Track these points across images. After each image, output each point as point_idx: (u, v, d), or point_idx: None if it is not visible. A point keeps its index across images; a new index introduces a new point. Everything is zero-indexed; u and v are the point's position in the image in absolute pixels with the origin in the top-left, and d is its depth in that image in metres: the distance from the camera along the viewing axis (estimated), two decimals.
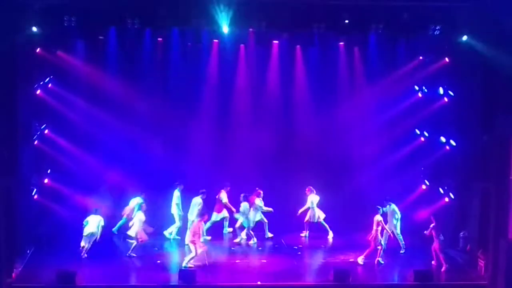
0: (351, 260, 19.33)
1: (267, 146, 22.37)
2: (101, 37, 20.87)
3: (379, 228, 18.77)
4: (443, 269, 18.55)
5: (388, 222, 19.70)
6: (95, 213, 19.49)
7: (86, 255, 19.20)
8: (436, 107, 21.98)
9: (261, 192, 20.95)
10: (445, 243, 20.70)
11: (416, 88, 22.82)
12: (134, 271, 18.60)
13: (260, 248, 20.48)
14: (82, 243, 19.17)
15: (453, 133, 21.15)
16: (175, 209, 21.05)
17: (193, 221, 19.63)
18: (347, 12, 19.59)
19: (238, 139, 22.50)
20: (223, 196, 21.15)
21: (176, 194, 21.10)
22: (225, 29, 20.06)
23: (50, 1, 18.95)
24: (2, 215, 17.15)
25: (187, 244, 19.44)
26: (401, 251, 19.95)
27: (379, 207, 19.13)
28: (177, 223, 21.10)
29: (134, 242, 19.40)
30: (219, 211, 21.24)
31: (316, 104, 22.64)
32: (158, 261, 19.19)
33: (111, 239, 20.84)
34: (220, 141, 22.48)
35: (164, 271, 18.34)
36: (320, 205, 21.44)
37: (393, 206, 19.92)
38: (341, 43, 21.86)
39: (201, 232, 18.75)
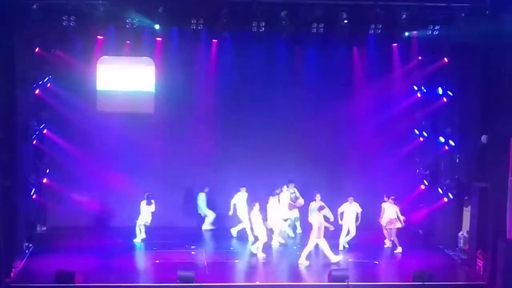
0: (349, 260, 19.34)
1: (266, 145, 22.35)
2: (100, 37, 20.80)
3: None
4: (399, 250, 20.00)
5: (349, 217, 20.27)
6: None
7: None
8: (435, 107, 22.00)
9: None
10: (444, 243, 20.88)
11: (415, 88, 22.82)
12: (133, 271, 18.58)
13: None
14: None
15: (452, 133, 21.16)
16: (242, 211, 21.04)
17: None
18: (346, 12, 19.57)
19: (237, 139, 22.47)
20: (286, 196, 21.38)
21: (244, 196, 21.20)
22: (224, 29, 20.02)
23: (49, 0, 18.90)
24: (1, 214, 17.13)
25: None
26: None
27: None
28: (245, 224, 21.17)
29: (259, 242, 19.57)
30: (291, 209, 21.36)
31: (315, 104, 22.62)
32: (157, 261, 19.19)
33: (111, 238, 20.84)
34: (219, 140, 22.43)
35: (163, 271, 18.33)
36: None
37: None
38: (340, 43, 21.83)
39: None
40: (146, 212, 20.73)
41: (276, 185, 21.30)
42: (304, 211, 21.11)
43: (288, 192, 21.18)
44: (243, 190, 21.27)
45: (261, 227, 19.69)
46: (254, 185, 21.56)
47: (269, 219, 20.32)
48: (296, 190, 21.35)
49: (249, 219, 20.31)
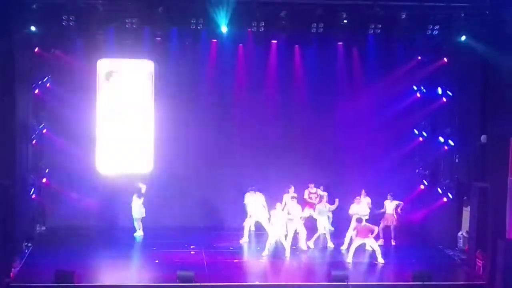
0: (348, 261, 19.31)
1: (265, 145, 22.36)
2: (99, 37, 20.77)
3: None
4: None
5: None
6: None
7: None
8: (434, 107, 22.01)
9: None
10: (443, 243, 20.91)
11: (415, 88, 22.82)
12: (132, 271, 18.56)
13: (258, 248, 20.47)
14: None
15: (452, 133, 21.17)
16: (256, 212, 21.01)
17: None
18: (346, 12, 19.58)
19: (235, 139, 22.47)
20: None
21: (257, 197, 21.08)
22: (224, 29, 20.02)
23: (49, 0, 18.90)
24: (0, 214, 17.14)
25: None
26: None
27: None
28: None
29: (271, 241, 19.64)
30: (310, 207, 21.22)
31: (314, 104, 22.64)
32: (156, 261, 19.18)
33: (110, 238, 20.83)
34: (218, 140, 22.43)
35: (162, 271, 18.32)
36: None
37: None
38: (340, 43, 21.83)
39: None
40: (139, 205, 20.87)
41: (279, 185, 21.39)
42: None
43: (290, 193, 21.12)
44: (257, 193, 21.12)
45: (279, 226, 19.64)
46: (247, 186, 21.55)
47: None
48: (318, 190, 21.34)
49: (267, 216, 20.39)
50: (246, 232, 21.05)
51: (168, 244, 20.60)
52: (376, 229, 19.40)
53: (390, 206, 20.74)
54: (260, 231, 20.85)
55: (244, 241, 20.97)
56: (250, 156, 22.25)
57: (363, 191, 21.11)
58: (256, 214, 20.81)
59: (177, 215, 22.36)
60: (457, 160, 21.11)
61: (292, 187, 21.12)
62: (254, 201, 20.97)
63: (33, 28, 19.27)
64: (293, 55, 22.20)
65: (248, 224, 21.07)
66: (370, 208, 20.76)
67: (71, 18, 19.07)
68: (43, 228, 21.79)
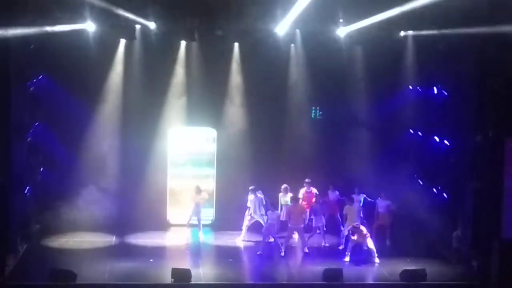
0: (346, 260, 19.32)
1: (260, 144, 22.35)
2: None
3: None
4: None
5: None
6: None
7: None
8: (430, 107, 22.02)
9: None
10: (438, 243, 20.93)
11: (410, 87, 22.82)
12: (126, 270, 18.51)
13: (254, 247, 20.44)
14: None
15: (447, 133, 21.19)
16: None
17: None
18: (342, 11, 19.61)
19: (232, 136, 22.47)
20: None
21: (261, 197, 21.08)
22: (220, 27, 20.03)
23: None
24: None
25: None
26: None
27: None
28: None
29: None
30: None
31: (311, 103, 22.65)
32: (151, 260, 19.16)
33: (105, 237, 20.79)
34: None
35: (158, 270, 18.30)
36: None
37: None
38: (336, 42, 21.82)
39: None
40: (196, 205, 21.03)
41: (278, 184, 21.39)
42: None
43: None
44: (258, 193, 21.10)
45: (273, 226, 19.78)
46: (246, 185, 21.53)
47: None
48: (313, 189, 21.38)
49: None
50: (244, 231, 21.03)
51: (164, 243, 20.56)
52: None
53: (382, 205, 20.77)
54: (258, 231, 20.82)
55: (241, 240, 20.96)
56: (246, 155, 22.23)
57: (356, 189, 21.15)
58: (255, 214, 20.81)
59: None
60: (452, 160, 21.13)
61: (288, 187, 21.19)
62: (254, 201, 20.94)
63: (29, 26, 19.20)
64: (290, 53, 22.18)
65: (247, 224, 21.05)
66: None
67: (66, 15, 19.04)
68: (38, 226, 21.72)
